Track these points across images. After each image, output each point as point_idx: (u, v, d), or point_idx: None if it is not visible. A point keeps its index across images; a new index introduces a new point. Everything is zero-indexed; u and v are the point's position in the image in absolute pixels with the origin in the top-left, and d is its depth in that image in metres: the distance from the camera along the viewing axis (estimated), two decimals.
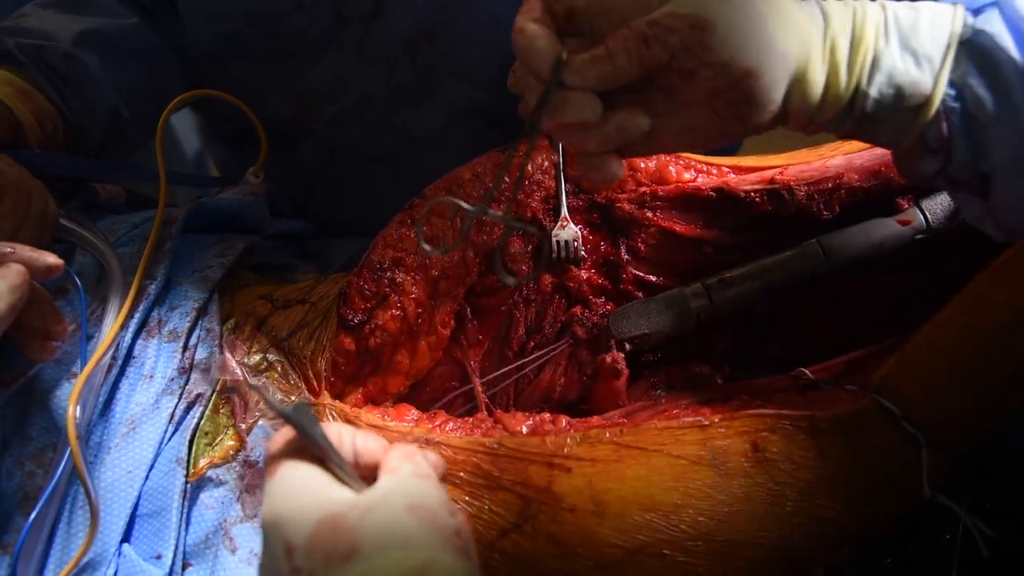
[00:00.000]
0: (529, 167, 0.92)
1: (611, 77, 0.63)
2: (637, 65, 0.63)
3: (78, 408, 0.82)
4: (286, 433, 0.62)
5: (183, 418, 0.89)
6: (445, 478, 0.66)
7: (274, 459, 0.61)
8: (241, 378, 0.89)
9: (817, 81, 0.66)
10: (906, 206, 0.89)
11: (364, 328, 0.89)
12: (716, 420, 0.80)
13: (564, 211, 0.92)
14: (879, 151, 0.89)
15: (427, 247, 0.72)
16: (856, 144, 0.91)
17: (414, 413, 0.90)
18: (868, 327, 0.91)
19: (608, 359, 0.90)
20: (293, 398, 0.88)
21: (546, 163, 0.92)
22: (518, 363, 0.94)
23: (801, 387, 0.84)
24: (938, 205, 0.88)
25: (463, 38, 1.09)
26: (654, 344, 0.92)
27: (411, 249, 0.90)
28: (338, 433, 0.62)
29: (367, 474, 0.62)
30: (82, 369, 0.84)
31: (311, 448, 0.61)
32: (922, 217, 0.88)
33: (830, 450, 0.78)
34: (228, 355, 0.91)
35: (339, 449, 0.61)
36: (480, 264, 0.91)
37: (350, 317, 0.89)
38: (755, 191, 0.90)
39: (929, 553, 0.88)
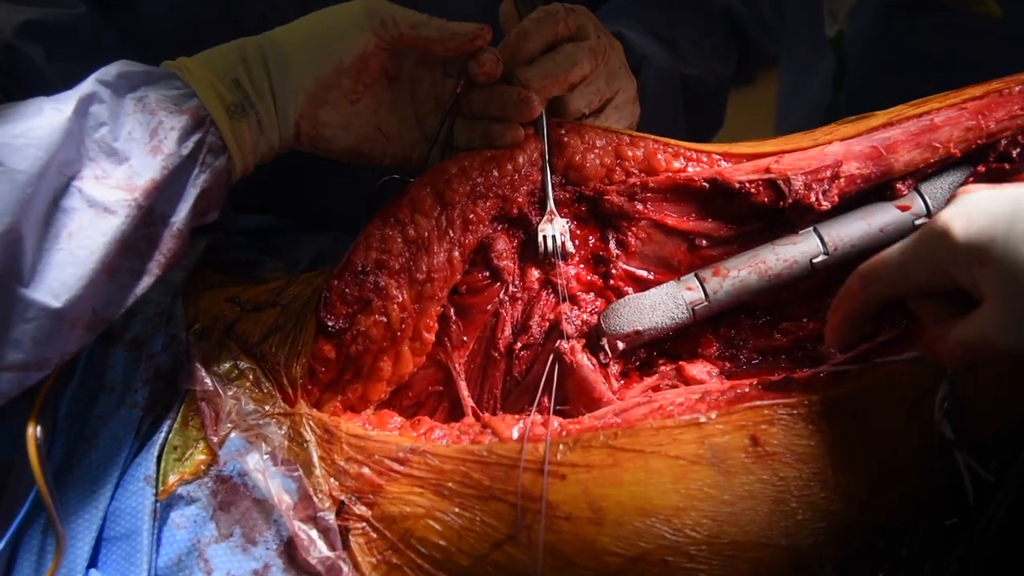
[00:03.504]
0: (520, 159, 0.88)
1: None
2: None
3: (38, 428, 0.77)
4: None
5: (150, 432, 0.84)
6: None
7: None
8: (211, 388, 0.85)
9: None
10: (905, 191, 0.87)
11: (345, 335, 0.84)
12: (713, 416, 0.77)
13: (551, 204, 0.89)
14: (877, 135, 0.86)
15: None
16: (852, 128, 0.88)
17: (397, 420, 0.87)
18: None
19: (561, 347, 0.87)
20: (267, 407, 0.84)
21: (534, 154, 0.89)
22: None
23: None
24: (938, 189, 0.86)
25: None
26: (648, 341, 0.88)
27: (395, 251, 0.86)
28: None
29: None
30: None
31: None
32: (922, 202, 0.86)
33: (831, 437, 0.75)
34: (196, 364, 0.86)
35: None
36: (465, 263, 0.87)
37: (331, 323, 0.85)
38: (750, 181, 0.87)
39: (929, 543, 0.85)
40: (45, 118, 0.72)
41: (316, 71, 0.84)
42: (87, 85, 0.76)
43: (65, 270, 0.72)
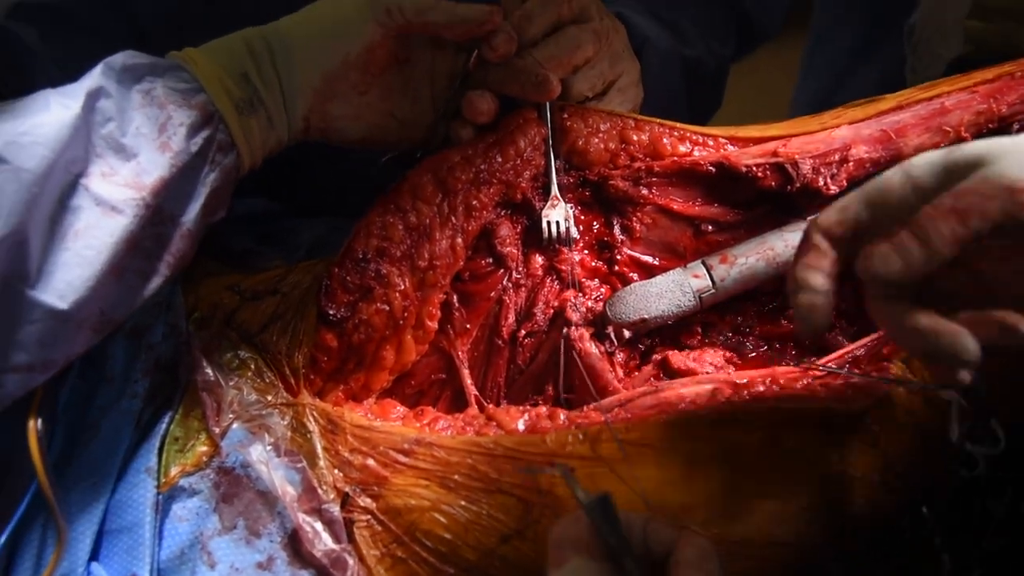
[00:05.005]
0: (522, 143, 0.87)
1: (919, 264, 0.58)
2: (951, 243, 0.57)
3: (39, 420, 0.76)
4: (580, 519, 0.61)
5: (151, 423, 0.83)
6: None
7: (563, 545, 0.60)
8: (212, 378, 0.83)
9: None
10: None
11: (347, 323, 0.83)
12: (728, 413, 0.76)
13: (554, 189, 0.88)
14: (886, 118, 0.85)
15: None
16: (861, 111, 0.87)
17: (400, 410, 0.86)
18: None
19: (572, 335, 0.86)
20: (269, 397, 0.82)
21: (537, 138, 0.87)
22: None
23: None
24: None
25: None
26: (653, 329, 0.87)
27: (396, 238, 0.85)
28: (628, 522, 0.61)
29: (659, 557, 0.60)
30: None
31: (605, 545, 0.59)
32: None
33: (848, 444, 0.74)
34: (197, 353, 0.85)
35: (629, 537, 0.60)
36: (467, 249, 0.86)
37: (332, 312, 0.83)
38: (757, 165, 0.86)
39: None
40: (52, 114, 0.70)
41: (322, 66, 0.83)
42: (94, 78, 0.74)
43: (72, 271, 0.71)
